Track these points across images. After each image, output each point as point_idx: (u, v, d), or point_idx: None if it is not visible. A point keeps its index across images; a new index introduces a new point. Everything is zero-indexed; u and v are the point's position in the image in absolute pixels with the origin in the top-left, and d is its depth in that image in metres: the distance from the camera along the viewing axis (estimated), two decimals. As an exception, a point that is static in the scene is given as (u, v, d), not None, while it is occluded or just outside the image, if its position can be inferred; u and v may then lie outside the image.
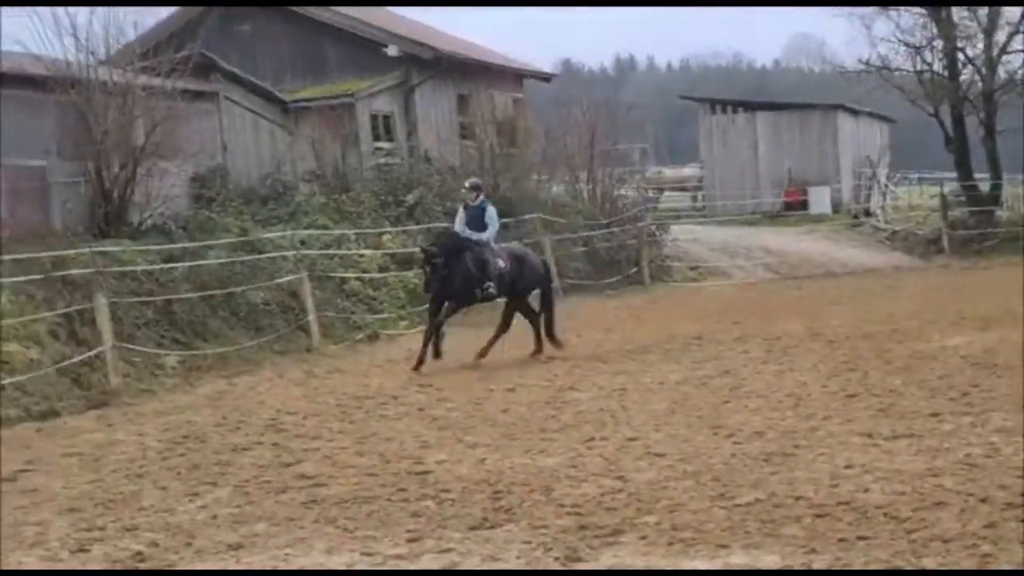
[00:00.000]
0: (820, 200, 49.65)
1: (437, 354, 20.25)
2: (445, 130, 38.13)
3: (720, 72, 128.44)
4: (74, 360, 19.39)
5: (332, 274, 26.06)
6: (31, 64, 25.99)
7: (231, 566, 9.86)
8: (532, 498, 11.23)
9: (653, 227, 38.21)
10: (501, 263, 21.05)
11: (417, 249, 22.77)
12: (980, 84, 44.91)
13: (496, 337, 21.14)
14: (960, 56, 45.30)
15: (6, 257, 20.93)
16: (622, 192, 40.00)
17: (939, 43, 44.96)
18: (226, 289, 23.31)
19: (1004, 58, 45.21)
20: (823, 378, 17.27)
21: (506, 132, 37.22)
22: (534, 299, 21.92)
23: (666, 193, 56.51)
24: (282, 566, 9.78)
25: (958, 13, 44.76)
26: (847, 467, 11.69)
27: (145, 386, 19.71)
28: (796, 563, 9.07)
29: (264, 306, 23.84)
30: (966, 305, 25.10)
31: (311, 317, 23.88)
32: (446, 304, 20.80)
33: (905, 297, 28.62)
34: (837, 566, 8.96)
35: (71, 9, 27.13)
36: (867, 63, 46.20)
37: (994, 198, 44.92)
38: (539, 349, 21.31)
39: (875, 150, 54.66)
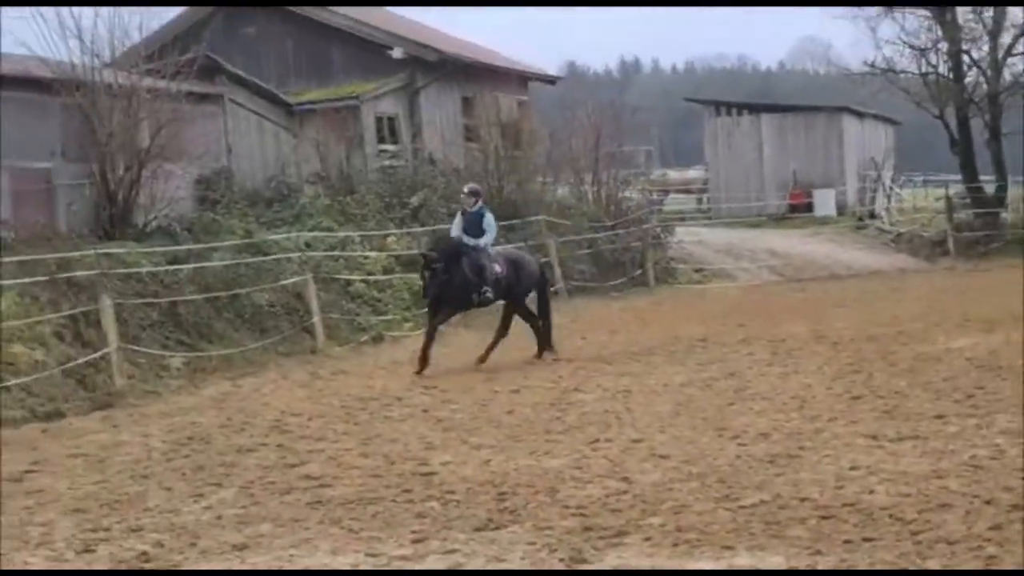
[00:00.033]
0: (825, 202, 49.59)
1: (424, 355, 20.17)
2: (450, 132, 38.13)
3: (725, 74, 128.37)
4: (79, 361, 19.40)
5: (337, 276, 26.07)
6: (36, 67, 26.02)
7: (236, 566, 9.86)
8: (537, 499, 11.24)
9: (658, 229, 38.20)
10: (498, 268, 21.06)
11: (421, 251, 22.72)
12: (985, 86, 44.87)
13: (496, 342, 21.17)
14: (965, 58, 45.27)
15: (12, 259, 20.96)
16: (627, 194, 39.99)
17: (944, 45, 44.92)
18: (231, 291, 23.31)
19: (1009, 60, 45.27)
20: (828, 380, 17.27)
21: (511, 134, 37.20)
22: (531, 301, 21.93)
23: (671, 195, 56.46)
24: (287, 567, 9.79)
25: (963, 15, 44.76)
26: (852, 469, 11.69)
27: (150, 387, 19.72)
28: (801, 565, 9.08)
29: (269, 308, 23.85)
30: (971, 307, 25.10)
31: (316, 319, 23.88)
32: (443, 309, 20.81)
33: (910, 299, 28.61)
34: (842, 567, 8.96)
35: (76, 11, 27.22)
36: (872, 65, 46.20)
37: (999, 200, 44.88)
38: (541, 352, 21.32)
39: (880, 152, 54.59)
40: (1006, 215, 44.51)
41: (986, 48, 44.99)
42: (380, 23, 39.18)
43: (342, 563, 9.79)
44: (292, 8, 38.07)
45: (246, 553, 10.16)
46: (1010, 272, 32.34)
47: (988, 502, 10.24)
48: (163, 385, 19.98)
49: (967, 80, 45.49)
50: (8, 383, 18.00)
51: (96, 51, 27.26)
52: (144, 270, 22.56)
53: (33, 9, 27.07)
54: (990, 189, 45.77)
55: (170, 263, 23.30)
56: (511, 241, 31.34)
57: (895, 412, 14.54)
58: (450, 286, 20.55)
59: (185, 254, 23.95)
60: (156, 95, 27.14)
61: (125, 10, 28.21)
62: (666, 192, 55.59)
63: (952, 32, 44.20)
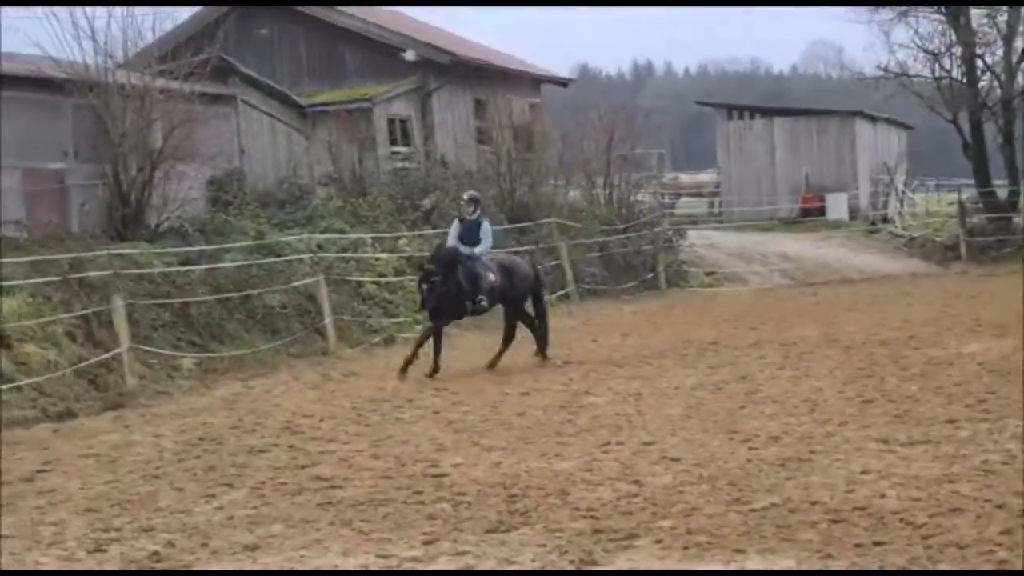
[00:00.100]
0: (837, 206, 49.53)
1: (405, 368, 20.08)
2: (462, 134, 38.15)
3: (737, 78, 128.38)
4: (91, 362, 19.43)
5: (348, 278, 26.07)
6: (49, 67, 26.06)
7: (247, 567, 9.88)
8: (547, 502, 11.25)
9: (670, 232, 38.16)
10: (492, 277, 21.04)
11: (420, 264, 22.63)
12: (999, 91, 44.82)
13: (504, 349, 21.18)
14: (979, 63, 45.24)
15: (25, 259, 21.01)
16: (639, 197, 39.98)
17: (958, 49, 44.86)
18: (242, 292, 23.33)
19: (1023, 65, 45.12)
20: (839, 384, 17.26)
21: (523, 137, 37.21)
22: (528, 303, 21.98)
23: (683, 198, 56.47)
24: (298, 567, 9.81)
25: (977, 19, 44.72)
26: (863, 473, 11.69)
27: (161, 388, 19.75)
28: (811, 568, 9.08)
29: (280, 309, 23.86)
30: (983, 312, 25.08)
31: (327, 320, 23.90)
32: (439, 318, 20.77)
33: (922, 303, 28.57)
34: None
35: (89, 12, 27.25)
36: (885, 69, 46.15)
37: (1012, 205, 44.77)
38: (543, 352, 21.31)
39: (893, 156, 54.54)
40: (1019, 220, 44.37)
41: (1000, 52, 44.98)
42: (393, 25, 39.21)
43: (352, 564, 9.81)
44: (305, 9, 38.11)
45: (257, 553, 10.18)
46: (1022, 277, 32.27)
47: (999, 506, 10.24)
48: (175, 386, 20.01)
49: (980, 84, 45.46)
50: (20, 383, 18.04)
51: (109, 52, 27.35)
52: (156, 271, 22.60)
53: (47, 9, 27.16)
54: (1003, 194, 45.69)
55: (182, 264, 23.33)
56: (523, 244, 31.41)
57: (906, 416, 14.54)
58: (446, 295, 20.54)
59: (197, 255, 23.98)
60: (169, 96, 27.18)
61: (139, 11, 28.33)
62: (678, 195, 55.60)
63: (966, 36, 44.15)
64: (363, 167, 33.38)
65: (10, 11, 38.54)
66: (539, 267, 24.23)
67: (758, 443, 13.39)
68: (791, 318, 26.70)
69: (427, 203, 31.66)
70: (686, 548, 9.68)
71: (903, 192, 53.32)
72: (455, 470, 12.81)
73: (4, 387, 17.71)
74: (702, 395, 16.93)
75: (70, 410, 17.96)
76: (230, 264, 23.71)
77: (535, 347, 21.39)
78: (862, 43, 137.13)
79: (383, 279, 26.86)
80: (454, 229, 21.38)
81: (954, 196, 48.38)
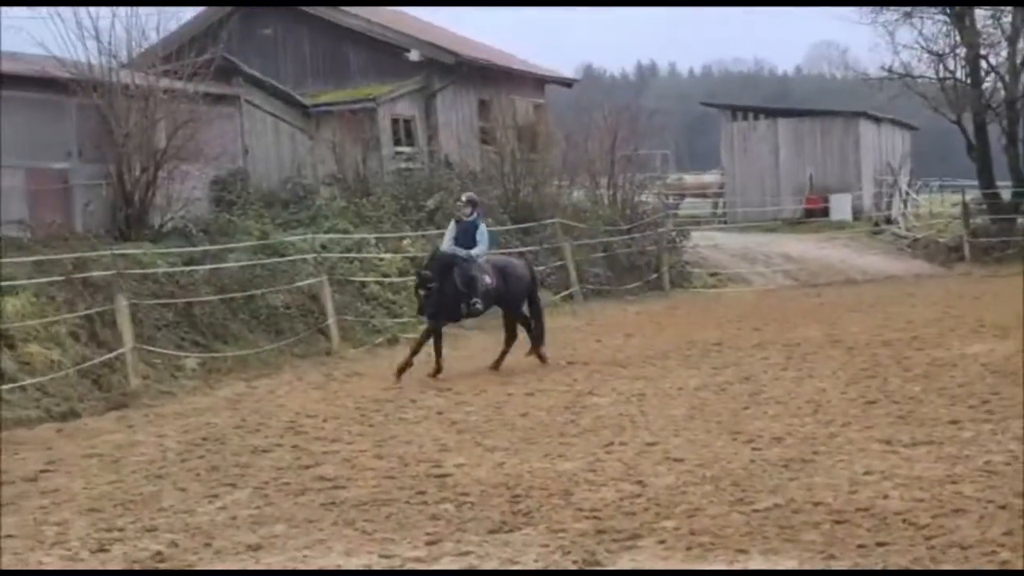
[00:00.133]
0: (841, 207, 49.51)
1: (401, 371, 20.05)
2: (466, 135, 38.15)
3: (742, 78, 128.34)
4: (95, 361, 19.45)
5: (352, 278, 26.08)
6: (53, 67, 26.07)
7: (250, 567, 9.89)
8: (551, 502, 11.26)
9: (673, 233, 38.18)
10: (488, 279, 21.02)
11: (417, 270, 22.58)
12: (1003, 92, 44.77)
13: (506, 350, 21.18)
14: (983, 64, 45.20)
15: (28, 259, 21.02)
16: (642, 198, 39.99)
17: (962, 50, 44.83)
18: (246, 292, 23.34)
19: (1027, 66, 45.12)
20: (842, 385, 17.26)
21: (527, 137, 37.20)
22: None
23: (687, 199, 56.41)
24: (301, 567, 9.82)
25: (982, 20, 44.69)
26: (866, 473, 11.70)
27: (165, 388, 19.76)
28: (814, 568, 9.09)
29: (284, 309, 23.87)
30: (986, 313, 25.07)
31: (331, 320, 23.91)
32: (436, 321, 20.74)
33: (925, 304, 28.55)
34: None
35: (93, 12, 27.26)
36: (889, 70, 46.12)
37: (1016, 206, 44.71)
38: (537, 351, 21.29)
39: (897, 157, 54.51)
40: (1022, 221, 44.36)
41: (1004, 54, 44.94)
42: (397, 25, 39.22)
43: (356, 564, 9.82)
44: (309, 9, 38.12)
45: (260, 553, 10.19)
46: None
47: (1002, 507, 10.24)
48: (178, 386, 20.03)
49: (985, 86, 45.42)
50: (24, 383, 18.06)
51: (113, 52, 27.36)
52: (160, 271, 22.61)
53: (51, 9, 27.19)
54: (1007, 195, 45.63)
55: (186, 264, 23.35)
56: (527, 244, 31.42)
57: (910, 417, 14.54)
58: (442, 297, 20.53)
59: (201, 255, 24.00)
60: (173, 96, 27.19)
61: (143, 10, 28.31)
62: (682, 196, 55.54)
63: (970, 37, 44.12)
64: (367, 167, 33.38)
65: (15, 11, 38.71)
66: (536, 268, 24.25)
67: (761, 444, 13.39)
68: (794, 319, 26.70)
69: (431, 203, 31.66)
70: (689, 548, 9.68)
71: (907, 193, 53.29)
72: (458, 470, 12.82)
73: (8, 387, 17.73)
74: (705, 396, 16.94)
75: (73, 410, 17.97)
76: (234, 264, 23.73)
77: (530, 346, 21.38)
78: (866, 44, 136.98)
79: (387, 279, 26.86)
80: (450, 231, 21.35)
81: (958, 197, 48.33)
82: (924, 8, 45.13)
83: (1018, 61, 44.42)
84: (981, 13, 44.70)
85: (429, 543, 10.20)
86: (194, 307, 22.31)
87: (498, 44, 45.10)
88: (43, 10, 29.08)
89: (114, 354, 19.65)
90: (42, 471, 13.97)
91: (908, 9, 45.10)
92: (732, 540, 9.80)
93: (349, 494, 12.04)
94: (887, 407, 15.30)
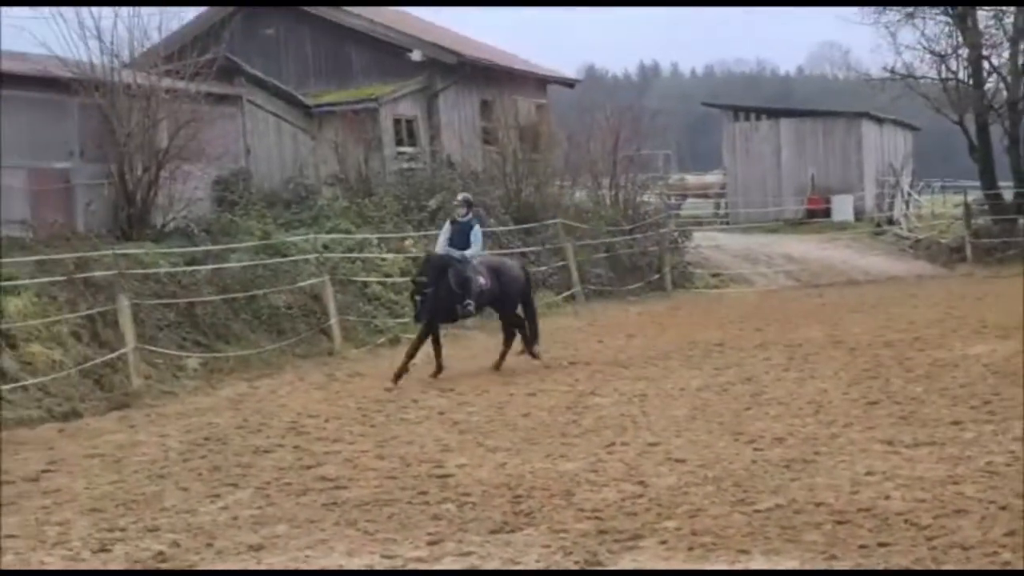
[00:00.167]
0: (843, 208, 49.50)
1: (398, 376, 19.99)
2: (468, 135, 38.14)
3: (744, 79, 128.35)
4: (96, 361, 19.45)
5: (354, 278, 26.08)
6: (56, 66, 26.08)
7: (252, 567, 9.90)
8: (552, 502, 11.26)
9: (675, 234, 38.17)
10: (482, 280, 21.02)
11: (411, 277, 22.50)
12: (1005, 93, 44.76)
13: (506, 350, 21.19)
14: (985, 64, 45.19)
15: (30, 258, 21.02)
16: (645, 198, 39.99)
17: (964, 51, 44.86)
18: (248, 292, 23.34)
19: (1029, 67, 45.11)
20: (844, 385, 17.26)
21: (529, 137, 37.21)
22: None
23: (689, 200, 56.44)
24: (303, 567, 9.82)
25: (984, 21, 44.69)
26: (868, 474, 11.70)
27: (167, 388, 19.77)
28: (816, 568, 9.09)
29: (286, 309, 23.87)
30: (988, 314, 25.07)
31: (333, 321, 23.91)
32: (432, 323, 20.71)
33: (927, 305, 28.55)
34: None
35: (96, 12, 27.29)
36: (892, 71, 46.14)
37: (1018, 207, 44.68)
38: (529, 349, 21.27)
39: (899, 158, 54.51)
40: (1024, 222, 44.39)
41: (1006, 54, 44.94)
42: (399, 25, 39.22)
43: (357, 564, 9.82)
44: (311, 9, 38.13)
45: (262, 554, 10.19)
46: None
47: (1004, 508, 10.24)
48: (180, 386, 20.03)
49: (987, 86, 45.43)
50: (25, 383, 18.06)
51: (115, 51, 27.36)
52: (162, 271, 22.61)
53: (53, 9, 27.19)
54: (1009, 196, 45.62)
55: (188, 264, 23.35)
56: (529, 244, 31.42)
57: (911, 418, 14.54)
58: (437, 299, 20.50)
59: (203, 255, 24.00)
60: (175, 96, 27.20)
61: (145, 10, 28.32)
62: (684, 196, 55.55)
63: (973, 38, 44.12)
64: (369, 167, 33.39)
65: (17, 11, 38.66)
66: (538, 268, 24.27)
67: (763, 444, 13.40)
68: (796, 319, 26.71)
69: (433, 203, 31.65)
70: (691, 549, 9.69)
71: (909, 194, 53.27)
72: (460, 471, 12.83)
73: (9, 387, 17.73)
74: (707, 396, 16.94)
75: (75, 410, 17.97)
76: (236, 264, 23.73)
77: (522, 345, 21.37)
78: (868, 44, 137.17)
79: (389, 279, 26.86)
80: (445, 231, 21.31)
81: (960, 198, 48.33)
82: (926, 9, 45.17)
83: (1020, 62, 44.41)
84: (983, 14, 44.74)
85: (431, 543, 10.21)
86: (196, 307, 22.30)
87: (500, 44, 45.16)
88: (45, 10, 29.14)
89: (116, 354, 19.65)
90: (44, 471, 13.97)
91: (910, 9, 45.13)
92: (734, 540, 9.80)
93: (351, 494, 12.04)
94: (889, 408, 15.30)
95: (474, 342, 23.94)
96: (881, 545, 9.45)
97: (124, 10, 27.66)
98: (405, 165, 35.51)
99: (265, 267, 24.32)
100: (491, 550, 9.95)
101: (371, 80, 37.23)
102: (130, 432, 16.43)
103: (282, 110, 34.18)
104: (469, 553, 9.91)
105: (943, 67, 45.28)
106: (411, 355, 20.26)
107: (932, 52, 45.22)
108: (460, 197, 22.00)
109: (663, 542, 9.88)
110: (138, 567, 10.03)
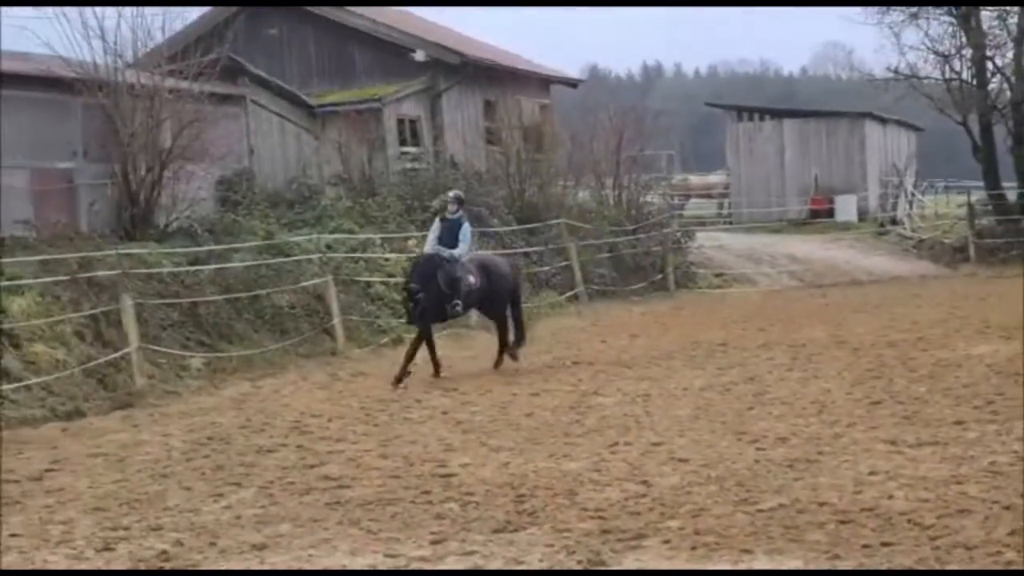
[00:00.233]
0: (846, 208, 49.50)
1: (398, 380, 19.92)
2: (471, 135, 38.12)
3: (747, 79, 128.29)
4: (100, 361, 19.45)
5: (357, 278, 26.08)
6: (59, 66, 26.08)
7: (255, 566, 9.90)
8: (555, 502, 11.26)
9: (679, 234, 38.18)
10: (472, 279, 21.00)
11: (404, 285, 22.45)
12: (1009, 93, 44.77)
13: (502, 348, 21.19)
14: (989, 65, 45.19)
15: (34, 258, 21.03)
16: (648, 198, 39.99)
17: (968, 52, 44.85)
18: (251, 292, 23.35)
19: (1033, 67, 45.10)
20: (847, 385, 17.26)
21: (532, 137, 37.20)
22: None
23: (692, 200, 56.48)
24: (306, 567, 9.82)
25: (988, 21, 44.68)
26: (871, 474, 11.70)
27: (170, 387, 19.77)
28: (819, 568, 9.09)
29: (289, 309, 23.88)
30: (992, 314, 25.06)
31: (336, 320, 23.91)
32: (425, 324, 20.69)
33: (930, 305, 28.55)
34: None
35: (99, 12, 27.24)
36: (895, 71, 46.14)
37: (1022, 207, 44.67)
38: (512, 351, 21.24)
39: (902, 158, 54.51)
40: (1028, 222, 44.36)
41: (1010, 55, 44.93)
42: (403, 25, 39.22)
43: (361, 564, 9.82)
44: (314, 9, 38.13)
45: (265, 553, 10.19)
46: (1032, 279, 32.24)
47: (1007, 508, 10.24)
48: (183, 385, 20.04)
49: (991, 87, 45.44)
50: (29, 382, 18.07)
51: (119, 51, 27.34)
52: (165, 270, 22.62)
53: (56, 9, 27.17)
54: (1012, 196, 45.62)
55: (191, 264, 23.36)
56: (532, 244, 31.42)
57: (914, 418, 14.54)
58: (428, 299, 20.48)
59: (206, 255, 24.00)
60: (178, 96, 27.19)
61: (148, 10, 28.30)
62: (687, 196, 55.58)
63: (976, 38, 44.11)
64: (372, 167, 33.38)
65: (20, 11, 38.70)
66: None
67: (766, 444, 13.39)
68: (800, 319, 26.70)
69: (436, 204, 31.59)
70: (694, 548, 9.68)
71: (912, 194, 53.28)
72: (463, 470, 12.83)
73: (13, 386, 17.74)
74: (710, 396, 16.94)
75: (79, 409, 17.99)
76: (239, 264, 23.74)
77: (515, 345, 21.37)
78: (872, 45, 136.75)
79: (392, 279, 26.83)
80: (434, 229, 21.25)
81: (963, 198, 48.33)
82: (930, 9, 45.18)
83: (1024, 62, 44.42)
84: (987, 14, 44.72)
85: (434, 542, 10.21)
86: (199, 307, 22.31)
87: (503, 44, 45.15)
88: (48, 10, 29.09)
89: (119, 354, 19.66)
90: (47, 470, 13.98)
91: (914, 10, 45.16)
92: (737, 540, 9.80)
93: (354, 493, 12.05)
94: (892, 407, 15.30)
95: (476, 342, 23.94)
96: (884, 545, 9.45)
97: (128, 10, 27.66)
98: (408, 165, 35.50)
99: (268, 267, 24.33)
100: (494, 549, 9.95)
101: (374, 80, 37.23)
102: (133, 431, 16.44)
103: (285, 110, 34.19)
104: (472, 552, 9.91)
105: (947, 67, 45.33)
106: (410, 358, 20.23)
107: (936, 52, 45.27)
108: (451, 194, 21.93)
109: (666, 542, 9.88)
110: (142, 566, 10.03)
